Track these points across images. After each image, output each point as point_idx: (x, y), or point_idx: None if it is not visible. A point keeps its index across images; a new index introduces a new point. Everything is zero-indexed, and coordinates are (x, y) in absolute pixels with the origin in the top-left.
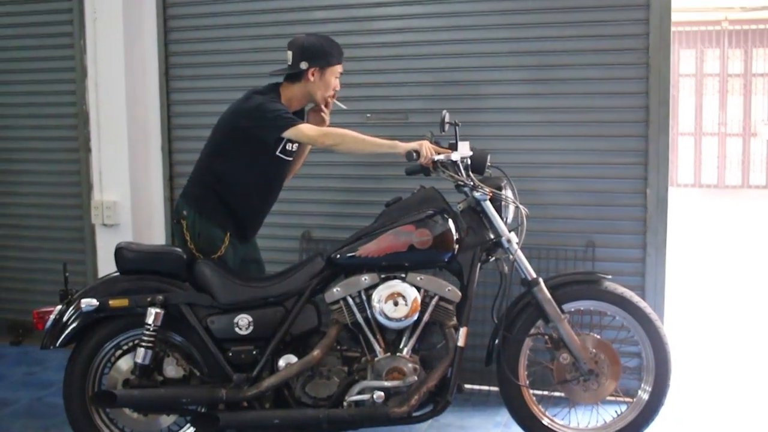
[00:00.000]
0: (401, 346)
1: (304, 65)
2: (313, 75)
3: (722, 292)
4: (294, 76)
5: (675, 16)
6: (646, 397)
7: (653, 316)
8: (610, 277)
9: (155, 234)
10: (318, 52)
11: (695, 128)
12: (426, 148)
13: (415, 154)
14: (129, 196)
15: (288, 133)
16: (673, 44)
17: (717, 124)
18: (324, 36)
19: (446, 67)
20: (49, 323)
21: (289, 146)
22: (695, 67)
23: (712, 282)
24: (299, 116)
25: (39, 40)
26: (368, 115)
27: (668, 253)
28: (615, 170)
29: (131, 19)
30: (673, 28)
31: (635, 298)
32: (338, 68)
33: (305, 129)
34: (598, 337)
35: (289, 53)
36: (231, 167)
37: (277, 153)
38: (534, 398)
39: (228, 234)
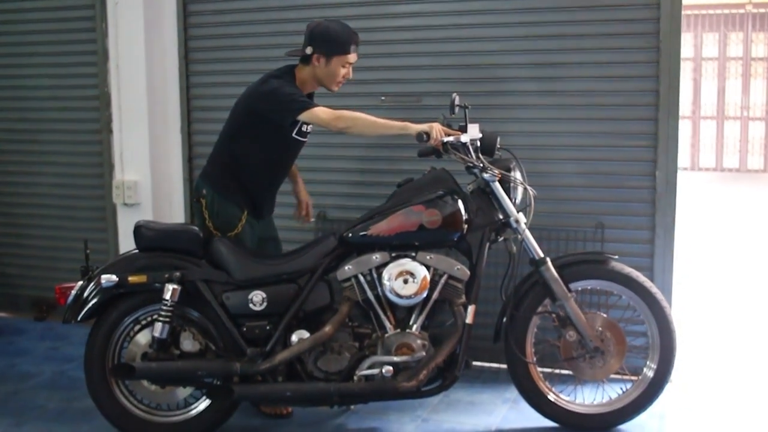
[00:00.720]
0: (411, 323)
1: (308, 50)
2: (318, 61)
3: (734, 276)
4: (304, 58)
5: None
6: (651, 374)
7: (659, 295)
8: (616, 257)
9: (175, 213)
10: (325, 39)
11: (717, 112)
12: (436, 130)
13: (425, 136)
14: (149, 176)
15: (302, 116)
16: (696, 28)
17: (740, 108)
18: (340, 23)
19: (459, 51)
20: (70, 298)
21: (304, 128)
22: (718, 51)
23: (724, 265)
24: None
25: (62, 24)
26: (382, 97)
27: (680, 235)
28: (624, 153)
29: (151, 3)
30: (696, 12)
31: (641, 278)
32: (348, 58)
33: (319, 112)
34: (605, 315)
35: (306, 37)
36: (248, 148)
37: (293, 135)
38: (541, 375)
39: (245, 212)
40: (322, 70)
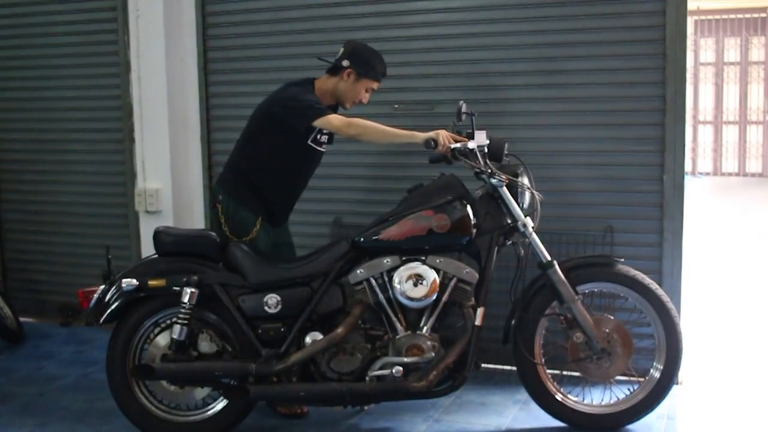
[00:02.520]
0: (421, 325)
1: (345, 63)
2: (348, 76)
3: (742, 280)
4: (334, 69)
5: (720, 4)
6: (657, 375)
7: (665, 297)
8: (622, 260)
9: (196, 220)
10: (363, 60)
11: (739, 117)
12: (443, 136)
13: (432, 143)
14: (170, 184)
15: (317, 122)
16: (718, 32)
17: (762, 113)
18: (377, 53)
19: (471, 59)
20: (92, 302)
21: (320, 137)
22: (740, 55)
23: (732, 269)
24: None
25: (85, 36)
26: (396, 105)
27: (688, 238)
28: (632, 157)
29: (172, 16)
30: (717, 17)
31: (647, 280)
32: (373, 84)
33: (332, 119)
34: (611, 317)
35: (342, 49)
36: (263, 154)
37: (309, 142)
38: (549, 376)
39: (259, 218)
40: (348, 85)
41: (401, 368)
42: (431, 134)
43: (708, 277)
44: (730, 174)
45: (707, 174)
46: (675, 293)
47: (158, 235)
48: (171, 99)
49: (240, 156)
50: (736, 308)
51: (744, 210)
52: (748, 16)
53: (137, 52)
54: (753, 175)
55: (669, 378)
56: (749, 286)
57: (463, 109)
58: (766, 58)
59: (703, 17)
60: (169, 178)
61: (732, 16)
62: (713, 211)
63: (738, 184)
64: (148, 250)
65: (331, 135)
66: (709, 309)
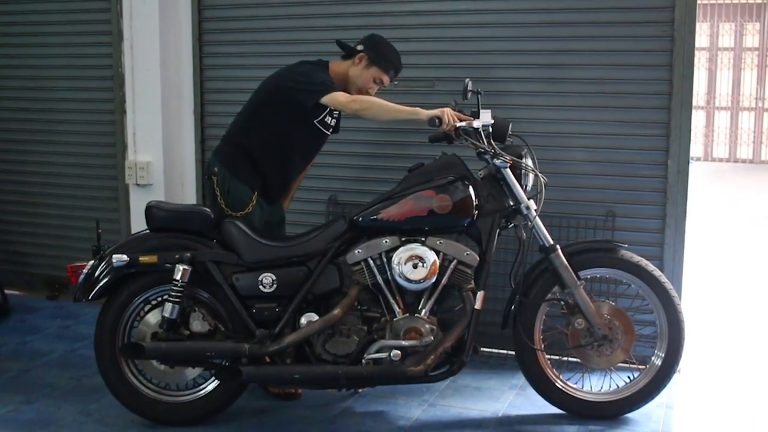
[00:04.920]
0: (420, 308)
1: (360, 47)
2: (360, 60)
3: (744, 267)
4: (349, 54)
5: None
6: (659, 363)
7: (668, 284)
8: (626, 245)
9: (187, 194)
10: (379, 49)
11: (732, 103)
12: (448, 114)
13: (437, 120)
14: (162, 157)
15: (324, 99)
16: (713, 17)
17: (755, 99)
18: (395, 49)
19: (473, 37)
20: (81, 277)
21: (328, 119)
22: (734, 41)
23: (734, 256)
24: None
25: (76, 3)
26: (395, 81)
27: (691, 225)
28: (636, 141)
29: None
30: (713, 1)
31: (650, 267)
32: (383, 76)
33: (338, 95)
34: (613, 304)
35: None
36: (266, 128)
37: (315, 121)
38: (549, 362)
39: (255, 193)
40: (358, 71)
41: (399, 352)
42: (436, 112)
43: (706, 263)
44: (720, 160)
45: (698, 159)
46: (676, 280)
47: (150, 210)
48: (164, 69)
49: (241, 128)
50: (735, 296)
51: (736, 195)
52: (743, 1)
53: (130, 20)
54: (744, 161)
55: (670, 366)
56: (746, 274)
57: (469, 87)
58: (761, 45)
59: (699, 1)
60: (161, 151)
61: (727, 1)
62: (706, 196)
63: (729, 170)
64: (137, 223)
65: (338, 122)
66: (709, 296)
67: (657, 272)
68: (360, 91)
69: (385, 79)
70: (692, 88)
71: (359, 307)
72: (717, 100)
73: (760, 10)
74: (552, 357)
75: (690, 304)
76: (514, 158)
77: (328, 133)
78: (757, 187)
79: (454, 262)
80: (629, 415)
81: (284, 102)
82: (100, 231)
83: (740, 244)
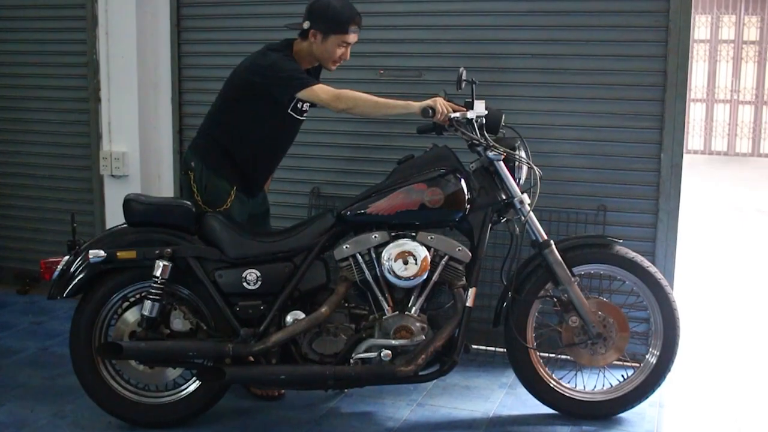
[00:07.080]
0: (410, 305)
1: (306, 25)
2: (314, 37)
3: (733, 261)
4: (302, 33)
5: None
6: (653, 361)
7: (663, 281)
8: (621, 241)
9: (164, 186)
10: (324, 16)
11: (707, 95)
12: (441, 104)
13: (430, 111)
14: (138, 147)
15: (301, 94)
16: (738, 9)
17: (729, 92)
18: (336, 3)
19: (462, 26)
20: (56, 273)
21: (300, 105)
22: (710, 33)
23: (723, 250)
24: (313, 75)
25: None
26: (381, 71)
27: (680, 219)
28: (629, 134)
29: None
30: None
31: (645, 263)
32: (346, 37)
33: (319, 91)
34: (607, 300)
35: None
36: (239, 122)
37: (288, 111)
38: (541, 360)
39: (234, 188)
40: (318, 47)
41: (389, 352)
42: (428, 102)
43: (698, 259)
44: (695, 152)
45: (696, 152)
46: (668, 276)
47: (129, 203)
48: (141, 57)
49: (214, 122)
50: (728, 292)
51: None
52: None
53: (105, 5)
54: (718, 153)
55: (665, 364)
56: (737, 269)
57: (464, 76)
58: (736, 37)
59: None
60: (137, 141)
61: None
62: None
63: (704, 162)
64: (112, 215)
65: (312, 105)
66: (701, 292)
67: (652, 268)
68: (335, 62)
69: (350, 38)
70: (687, 79)
71: (347, 305)
72: (693, 92)
73: (736, 4)
74: (543, 354)
75: (682, 301)
76: (508, 150)
77: (303, 118)
78: (754, 180)
79: (446, 258)
80: (622, 414)
81: (255, 97)
82: (75, 225)
83: (731, 237)
